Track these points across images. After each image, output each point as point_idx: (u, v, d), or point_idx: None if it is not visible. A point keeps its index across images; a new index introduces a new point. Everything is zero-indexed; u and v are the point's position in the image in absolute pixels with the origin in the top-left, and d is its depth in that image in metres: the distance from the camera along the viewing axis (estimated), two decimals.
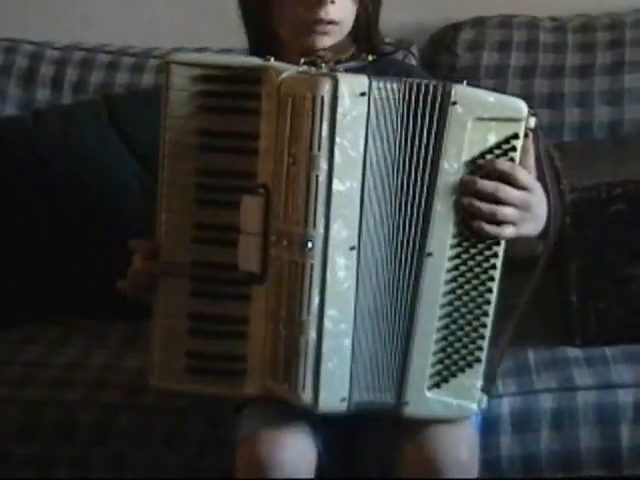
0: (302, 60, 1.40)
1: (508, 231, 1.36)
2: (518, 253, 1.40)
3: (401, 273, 1.36)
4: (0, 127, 2.16)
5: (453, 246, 1.36)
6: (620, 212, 1.76)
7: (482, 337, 1.37)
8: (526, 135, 1.36)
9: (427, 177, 1.35)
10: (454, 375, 1.38)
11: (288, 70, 1.35)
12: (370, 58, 1.58)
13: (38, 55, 2.30)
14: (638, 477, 1.70)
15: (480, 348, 1.38)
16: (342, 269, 1.34)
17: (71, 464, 1.76)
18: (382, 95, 1.34)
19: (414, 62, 2.27)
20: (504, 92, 2.12)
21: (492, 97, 1.36)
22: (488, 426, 1.64)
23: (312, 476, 1.42)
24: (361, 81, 1.33)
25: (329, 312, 1.34)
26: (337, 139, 1.31)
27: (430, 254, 1.35)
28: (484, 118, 1.34)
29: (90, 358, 1.87)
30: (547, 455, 1.69)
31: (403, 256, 1.36)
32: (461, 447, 1.40)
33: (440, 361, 1.37)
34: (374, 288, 1.37)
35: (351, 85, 1.32)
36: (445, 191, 1.34)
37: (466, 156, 1.34)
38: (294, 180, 1.32)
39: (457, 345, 1.37)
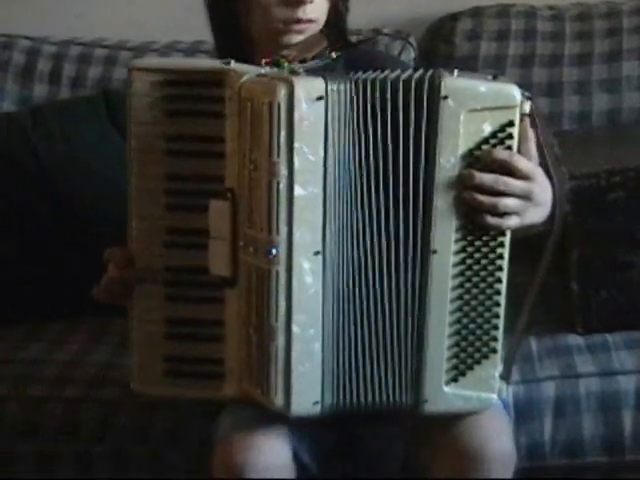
0: (264, 61, 1.39)
1: (512, 222, 1.34)
2: (517, 233, 1.37)
3: (403, 273, 1.35)
4: None
5: (457, 240, 1.34)
6: (619, 199, 1.76)
7: (496, 327, 1.36)
8: (522, 120, 1.33)
9: (422, 174, 1.32)
10: (471, 368, 1.37)
11: (249, 73, 1.33)
12: (334, 55, 1.53)
13: (35, 50, 2.30)
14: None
15: (495, 338, 1.36)
16: (308, 274, 1.33)
17: (73, 461, 1.76)
18: (341, 98, 1.31)
19: (412, 53, 2.27)
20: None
21: (483, 86, 1.32)
22: None
23: (289, 477, 1.42)
24: (318, 85, 1.30)
25: (297, 317, 1.33)
26: (296, 145, 1.29)
27: (435, 251, 1.33)
28: (477, 109, 1.31)
29: (90, 355, 1.87)
30: (550, 442, 1.69)
31: (407, 255, 1.34)
32: (503, 437, 1.40)
33: (455, 355, 1.36)
34: (357, 292, 1.35)
35: (307, 89, 1.30)
36: (444, 186, 1.32)
37: (462, 149, 1.32)
38: (256, 186, 1.31)
39: (471, 338, 1.36)
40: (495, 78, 1.35)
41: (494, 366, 1.37)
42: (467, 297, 1.35)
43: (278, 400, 1.36)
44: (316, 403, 1.37)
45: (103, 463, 1.76)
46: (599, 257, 1.78)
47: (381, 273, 1.35)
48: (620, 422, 1.69)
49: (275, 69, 1.37)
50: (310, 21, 1.52)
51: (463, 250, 1.34)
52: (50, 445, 1.77)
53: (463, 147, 1.32)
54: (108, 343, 1.91)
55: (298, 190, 1.31)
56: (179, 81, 1.33)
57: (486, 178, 1.32)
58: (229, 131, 1.32)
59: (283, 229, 1.31)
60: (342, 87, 1.31)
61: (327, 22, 1.57)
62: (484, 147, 1.32)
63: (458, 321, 1.35)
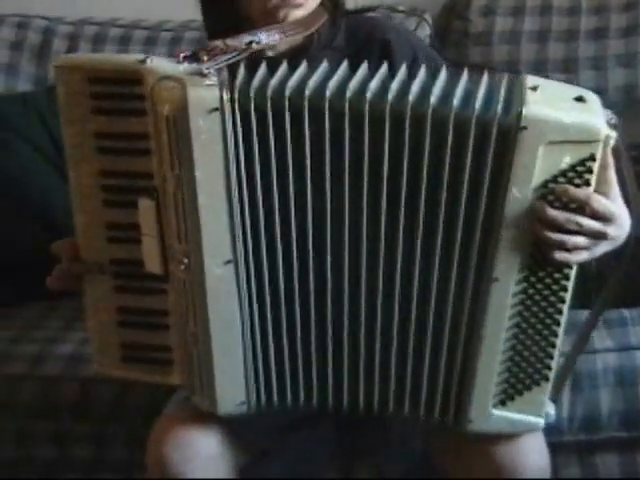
0: (181, 55, 1.29)
1: (580, 257, 1.27)
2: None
3: (457, 296, 1.31)
4: (13, 103, 2.16)
5: (521, 270, 1.28)
6: (637, 175, 1.75)
7: (550, 357, 1.33)
8: (604, 148, 1.23)
9: (484, 202, 1.25)
10: (520, 393, 1.35)
11: (161, 72, 1.27)
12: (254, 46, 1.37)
13: (50, 30, 2.30)
14: None
15: (549, 367, 1.33)
16: (222, 282, 1.31)
17: (88, 439, 1.79)
18: (248, 107, 1.25)
19: (427, 29, 2.27)
20: (517, 60, 2.15)
21: (567, 117, 1.22)
22: None
23: (222, 466, 1.45)
24: (212, 95, 1.25)
25: (214, 324, 1.33)
26: (195, 157, 1.26)
27: (496, 279, 1.28)
28: (558, 141, 1.22)
29: None
30: (568, 417, 1.69)
31: (459, 282, 1.30)
32: (537, 453, 1.40)
33: (506, 380, 1.34)
34: (285, 299, 1.34)
35: (201, 101, 1.25)
36: (514, 216, 1.25)
37: (537, 181, 1.24)
38: (167, 194, 1.30)
39: (524, 365, 1.33)
40: (580, 100, 1.26)
41: (544, 392, 1.35)
42: (525, 325, 1.31)
43: (205, 401, 1.39)
44: (242, 403, 1.38)
45: (117, 442, 1.78)
46: None
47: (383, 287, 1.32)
48: (637, 397, 1.69)
49: (193, 65, 1.28)
50: None
51: (526, 280, 1.29)
52: (66, 424, 1.79)
53: (538, 178, 1.24)
54: None
55: (202, 201, 1.28)
56: (100, 79, 1.31)
57: (559, 216, 1.24)
58: (151, 129, 1.30)
59: (191, 238, 1.30)
60: (236, 96, 1.25)
61: None
62: (561, 180, 1.24)
63: (512, 348, 1.32)
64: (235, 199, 1.28)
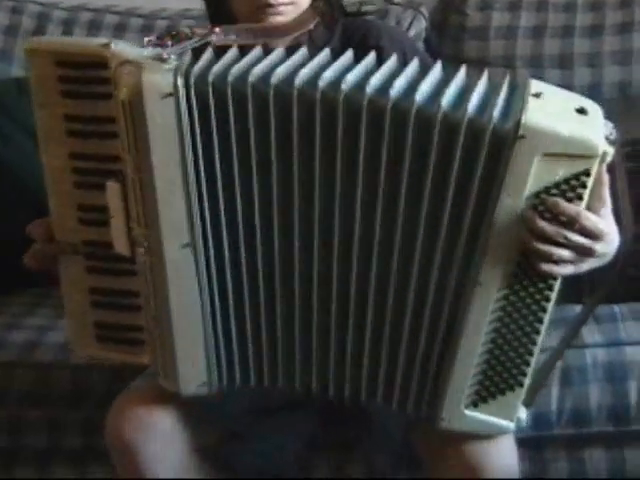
0: (146, 40, 1.30)
1: (565, 270, 1.27)
2: None
3: (438, 296, 1.30)
4: (8, 88, 2.16)
5: (505, 276, 1.27)
6: (630, 171, 1.74)
7: (527, 364, 1.33)
8: (600, 164, 1.22)
9: (472, 207, 1.24)
10: (494, 397, 1.35)
11: (123, 56, 1.26)
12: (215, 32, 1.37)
13: (45, 16, 2.30)
14: None
15: (524, 374, 1.34)
16: (181, 265, 1.32)
17: (82, 427, 1.78)
18: (201, 93, 1.24)
19: (423, 23, 2.26)
20: (513, 56, 2.15)
21: (566, 129, 1.20)
22: None
23: (174, 446, 1.47)
24: (166, 80, 1.24)
25: (175, 306, 1.34)
26: (151, 143, 1.25)
27: (479, 283, 1.27)
28: (554, 153, 1.20)
29: None
30: (557, 412, 1.70)
31: (429, 277, 1.30)
32: (504, 452, 1.41)
33: (479, 382, 1.34)
34: (248, 279, 1.34)
35: (155, 86, 1.24)
36: (503, 223, 1.24)
37: (530, 190, 1.22)
38: (127, 178, 1.31)
39: (500, 369, 1.33)
40: (581, 112, 1.24)
41: (518, 397, 1.35)
42: (504, 331, 1.31)
43: (167, 382, 1.40)
44: (203, 385, 1.39)
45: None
46: None
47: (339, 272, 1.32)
48: (626, 392, 1.69)
49: (157, 49, 1.28)
50: (284, 4, 1.47)
51: (509, 287, 1.28)
52: (58, 411, 1.78)
53: (531, 188, 1.22)
54: None
55: (159, 185, 1.28)
56: (68, 62, 1.31)
57: (548, 228, 1.23)
58: (116, 112, 1.30)
59: (150, 222, 1.30)
60: (191, 82, 1.24)
61: None
62: (553, 191, 1.22)
63: (489, 352, 1.32)
64: (192, 184, 1.28)
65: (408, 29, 2.22)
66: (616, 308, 1.79)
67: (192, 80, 1.25)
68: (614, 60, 2.15)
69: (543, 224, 1.23)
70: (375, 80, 1.25)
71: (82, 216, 1.38)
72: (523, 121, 1.20)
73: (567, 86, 2.10)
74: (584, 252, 1.26)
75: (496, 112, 1.22)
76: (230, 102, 1.25)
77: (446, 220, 1.26)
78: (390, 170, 1.25)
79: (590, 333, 1.74)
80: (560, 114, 1.23)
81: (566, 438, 1.72)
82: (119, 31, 2.28)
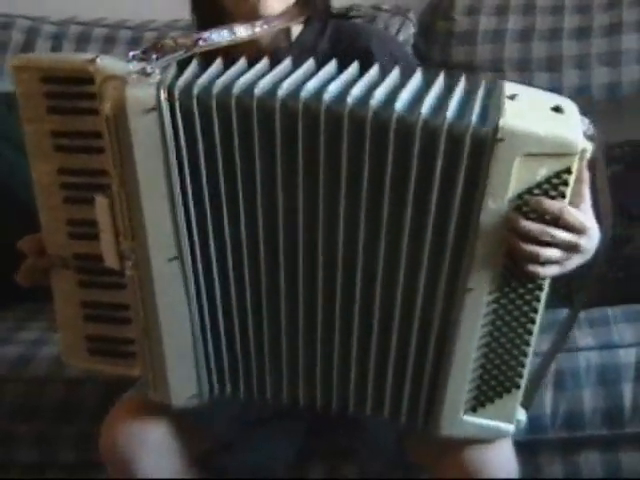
0: (131, 54, 1.29)
1: (552, 270, 1.27)
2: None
3: (428, 303, 1.30)
4: None
5: (494, 280, 1.27)
6: (618, 173, 1.76)
7: (522, 365, 1.33)
8: (581, 159, 1.22)
9: (457, 212, 1.24)
10: (491, 400, 1.34)
11: (108, 71, 1.27)
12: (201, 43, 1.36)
13: (34, 30, 2.30)
14: (639, 434, 1.71)
15: (520, 375, 1.33)
16: (168, 278, 1.32)
17: (73, 441, 1.78)
18: (190, 108, 1.24)
19: (411, 28, 2.27)
20: (501, 59, 2.16)
21: (543, 130, 1.20)
22: None
23: (171, 456, 1.48)
24: (149, 95, 1.24)
25: (164, 318, 1.34)
26: (136, 157, 1.26)
27: (470, 289, 1.27)
28: (534, 154, 1.21)
29: None
30: (551, 415, 1.70)
31: (432, 291, 1.29)
32: (505, 460, 1.41)
33: (477, 387, 1.33)
34: (236, 291, 1.34)
35: (138, 100, 1.24)
36: (488, 227, 1.24)
37: (512, 192, 1.23)
38: (114, 192, 1.31)
39: (495, 372, 1.33)
40: (558, 110, 1.24)
41: (516, 400, 1.35)
42: (497, 334, 1.31)
43: (158, 395, 1.40)
44: (193, 397, 1.39)
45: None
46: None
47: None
48: (620, 395, 1.69)
49: (142, 63, 1.27)
50: None
51: (499, 290, 1.28)
52: (52, 426, 1.78)
53: (514, 190, 1.23)
54: None
55: (145, 199, 1.28)
56: (53, 78, 1.31)
57: (532, 227, 1.23)
58: (102, 127, 1.30)
59: (137, 236, 1.30)
60: (176, 95, 1.24)
61: None
62: (536, 191, 1.23)
63: (484, 356, 1.32)
64: (178, 197, 1.28)
65: (396, 35, 2.21)
66: (609, 311, 1.79)
67: (176, 94, 1.25)
68: (602, 62, 2.15)
69: (527, 224, 1.23)
70: (357, 90, 1.25)
71: (72, 230, 1.38)
72: (501, 125, 1.20)
73: (556, 89, 2.15)
74: (570, 248, 1.26)
75: (474, 117, 1.22)
76: (214, 115, 1.25)
77: (431, 228, 1.26)
78: (373, 179, 1.25)
79: (583, 336, 1.74)
80: (536, 114, 1.24)
81: (560, 441, 1.71)
82: (108, 44, 2.28)
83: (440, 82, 1.29)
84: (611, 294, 1.79)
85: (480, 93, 1.28)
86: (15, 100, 2.09)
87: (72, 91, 1.31)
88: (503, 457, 1.41)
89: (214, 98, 1.25)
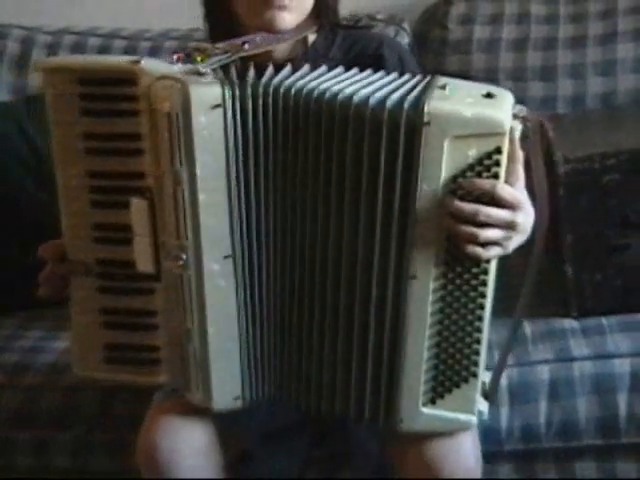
0: (175, 56, 1.33)
1: (493, 252, 1.29)
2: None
3: (378, 294, 1.33)
4: None
5: (438, 266, 1.30)
6: (614, 182, 1.76)
7: (476, 352, 1.34)
8: (511, 142, 1.26)
9: (399, 198, 1.28)
10: (449, 391, 1.35)
11: (157, 71, 1.30)
12: (246, 47, 1.43)
13: (29, 40, 2.30)
14: (635, 444, 1.70)
15: (475, 363, 1.34)
16: (220, 277, 1.33)
17: (69, 448, 1.77)
18: (246, 104, 1.29)
19: (406, 38, 2.27)
20: (496, 69, 2.16)
21: (470, 111, 1.24)
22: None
23: (209, 461, 1.46)
24: (214, 91, 1.28)
25: (211, 319, 1.34)
26: (196, 153, 1.28)
27: (414, 276, 1.30)
28: (462, 135, 1.24)
29: None
30: (545, 425, 1.69)
31: (372, 276, 1.32)
32: (466, 455, 1.40)
33: (434, 378, 1.35)
34: (274, 293, 1.36)
35: (203, 97, 1.27)
36: (426, 212, 1.27)
37: (445, 175, 1.26)
38: (164, 192, 1.31)
39: (450, 362, 1.34)
40: (489, 96, 1.28)
41: (474, 389, 1.35)
42: (447, 322, 1.32)
43: (199, 397, 1.39)
44: (237, 398, 1.39)
45: (100, 450, 1.77)
46: (593, 240, 1.77)
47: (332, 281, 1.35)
48: (615, 405, 1.69)
49: (188, 65, 1.32)
50: None
51: (444, 276, 1.30)
52: (48, 433, 1.78)
53: (447, 173, 1.26)
54: None
55: (202, 197, 1.30)
56: (92, 80, 1.32)
57: (466, 208, 1.26)
58: (144, 128, 1.31)
59: (190, 235, 1.31)
60: (237, 93, 1.28)
61: (316, 4, 1.53)
62: (469, 174, 1.26)
63: (437, 345, 1.33)
64: (234, 194, 1.31)
65: None
66: (604, 320, 1.78)
67: (238, 92, 1.28)
68: (597, 71, 2.15)
69: (461, 204, 1.26)
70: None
71: (97, 235, 1.37)
72: (426, 109, 1.24)
73: (551, 98, 2.16)
74: (507, 226, 1.29)
75: (407, 105, 1.26)
76: (271, 114, 1.29)
77: (380, 215, 1.29)
78: (341, 173, 1.30)
79: (578, 346, 1.74)
80: (464, 99, 1.27)
81: (555, 451, 1.71)
82: (103, 53, 2.28)
83: (391, 79, 1.34)
84: (608, 302, 1.79)
85: (419, 86, 1.31)
86: (12, 109, 2.13)
87: (110, 92, 1.31)
88: (465, 448, 1.40)
89: (271, 97, 1.29)
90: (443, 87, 1.29)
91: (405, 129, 1.26)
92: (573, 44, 2.18)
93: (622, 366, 1.70)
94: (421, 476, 1.40)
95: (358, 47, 1.58)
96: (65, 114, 1.33)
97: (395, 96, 1.28)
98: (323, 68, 1.37)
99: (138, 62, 1.30)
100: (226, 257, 1.33)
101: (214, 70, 1.32)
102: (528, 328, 1.78)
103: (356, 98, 1.27)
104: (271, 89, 1.29)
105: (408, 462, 1.42)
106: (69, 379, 1.78)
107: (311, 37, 1.58)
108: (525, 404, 1.69)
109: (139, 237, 1.34)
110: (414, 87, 1.31)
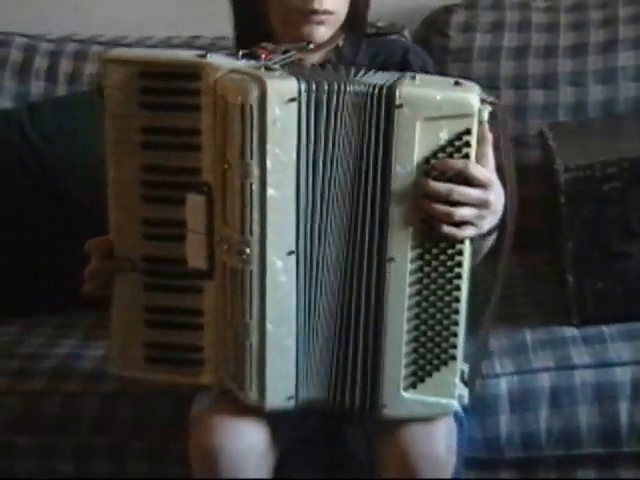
0: (240, 52, 1.37)
1: (468, 232, 1.33)
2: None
3: (360, 278, 1.35)
4: None
5: (414, 248, 1.33)
6: (615, 190, 1.76)
7: (455, 335, 1.35)
8: (480, 124, 1.31)
9: (379, 182, 1.32)
10: (429, 374, 1.37)
11: (224, 66, 1.31)
12: (311, 46, 1.51)
13: (32, 48, 2.30)
14: (637, 453, 1.70)
15: (454, 346, 1.36)
16: (281, 273, 1.33)
17: (72, 454, 1.77)
18: (311, 98, 1.31)
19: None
20: (497, 76, 2.16)
21: (439, 94, 1.31)
22: (486, 406, 1.66)
23: (265, 463, 1.45)
24: (290, 85, 1.30)
25: (270, 315, 1.34)
26: (268, 146, 1.29)
27: (392, 259, 1.33)
28: (434, 117, 1.30)
29: (88, 348, 1.88)
30: (546, 433, 1.69)
31: (363, 262, 1.35)
32: (437, 442, 1.40)
33: (414, 362, 1.36)
34: (326, 291, 1.36)
35: (280, 91, 1.29)
36: (400, 194, 1.31)
37: (419, 157, 1.31)
38: (230, 185, 1.31)
39: (429, 345, 1.36)
40: (457, 84, 1.34)
41: (453, 373, 1.37)
42: (425, 304, 1.34)
43: (253, 395, 1.38)
44: (290, 398, 1.38)
45: (102, 456, 1.76)
46: (594, 248, 1.77)
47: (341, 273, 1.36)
48: (616, 413, 1.69)
49: (252, 61, 1.35)
50: (327, 12, 1.53)
51: (420, 258, 1.33)
52: (51, 438, 1.77)
53: (419, 155, 1.31)
54: (106, 337, 1.91)
55: (271, 191, 1.31)
56: (154, 73, 1.32)
57: (441, 187, 1.31)
58: (205, 124, 1.31)
59: (256, 229, 1.31)
60: (312, 87, 1.31)
61: (349, 16, 1.58)
62: (441, 155, 1.31)
63: (416, 328, 1.35)
64: (302, 190, 1.32)
65: None
66: (605, 328, 1.78)
67: (313, 86, 1.30)
68: (598, 79, 2.15)
69: (435, 184, 1.31)
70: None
71: (147, 231, 1.37)
72: (398, 93, 1.30)
73: (552, 106, 2.16)
74: (480, 204, 1.33)
75: (383, 90, 1.31)
76: (341, 109, 1.32)
77: (361, 199, 1.33)
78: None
79: (579, 354, 1.74)
80: (434, 85, 1.34)
81: (556, 459, 1.71)
82: None
83: (376, 74, 1.39)
84: (609, 310, 1.79)
85: (394, 78, 1.35)
86: (15, 116, 2.13)
87: (173, 87, 1.31)
88: (435, 436, 1.40)
89: (343, 93, 1.32)
90: (413, 77, 1.34)
91: (384, 112, 1.30)
92: (574, 52, 2.18)
93: (623, 374, 1.70)
94: (394, 462, 1.40)
95: (384, 54, 1.63)
96: (123, 107, 1.33)
97: (373, 83, 1.33)
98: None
99: (204, 56, 1.31)
100: (289, 253, 1.33)
101: (282, 66, 1.34)
102: (529, 336, 1.78)
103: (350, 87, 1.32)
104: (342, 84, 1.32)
105: (384, 449, 1.42)
106: (71, 384, 1.78)
107: (340, 42, 1.63)
108: (526, 412, 1.69)
109: (193, 233, 1.33)
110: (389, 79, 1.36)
